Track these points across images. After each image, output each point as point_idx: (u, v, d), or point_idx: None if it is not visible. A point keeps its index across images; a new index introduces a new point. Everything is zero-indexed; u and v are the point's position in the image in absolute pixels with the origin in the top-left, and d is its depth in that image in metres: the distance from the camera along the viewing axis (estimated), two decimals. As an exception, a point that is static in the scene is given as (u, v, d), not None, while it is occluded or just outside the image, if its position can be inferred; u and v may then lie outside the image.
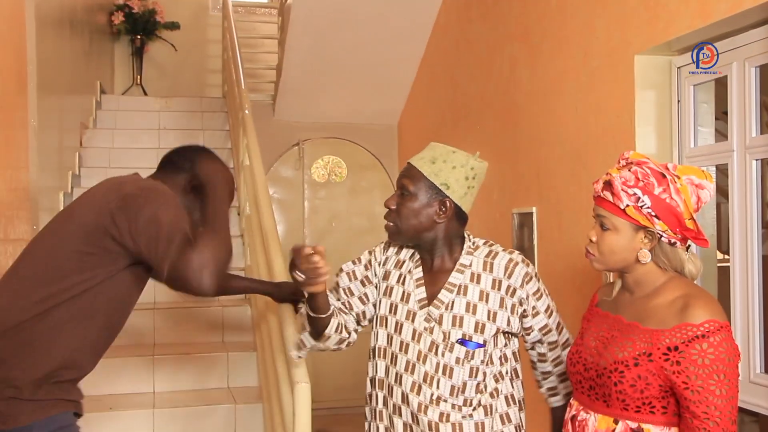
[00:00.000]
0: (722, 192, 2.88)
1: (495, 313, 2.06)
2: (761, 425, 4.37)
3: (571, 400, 2.02)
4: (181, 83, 7.79)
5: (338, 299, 2.29)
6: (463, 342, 2.03)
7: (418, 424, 2.06)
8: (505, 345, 2.12)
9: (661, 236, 1.79)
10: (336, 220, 6.69)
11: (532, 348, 2.25)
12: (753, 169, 2.55)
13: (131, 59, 7.68)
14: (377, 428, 2.20)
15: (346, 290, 2.28)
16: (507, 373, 2.13)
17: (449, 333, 2.05)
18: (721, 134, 2.83)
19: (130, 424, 3.32)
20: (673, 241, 1.79)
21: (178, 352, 3.77)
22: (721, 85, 2.75)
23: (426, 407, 2.04)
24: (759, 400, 2.48)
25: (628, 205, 1.80)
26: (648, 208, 1.78)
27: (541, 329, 2.16)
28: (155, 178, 2.25)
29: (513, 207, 4.07)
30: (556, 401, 2.31)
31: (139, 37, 7.55)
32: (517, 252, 2.14)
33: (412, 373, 2.08)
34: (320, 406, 5.81)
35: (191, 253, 1.90)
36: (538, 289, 2.12)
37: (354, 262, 2.31)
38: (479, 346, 2.04)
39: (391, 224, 2.12)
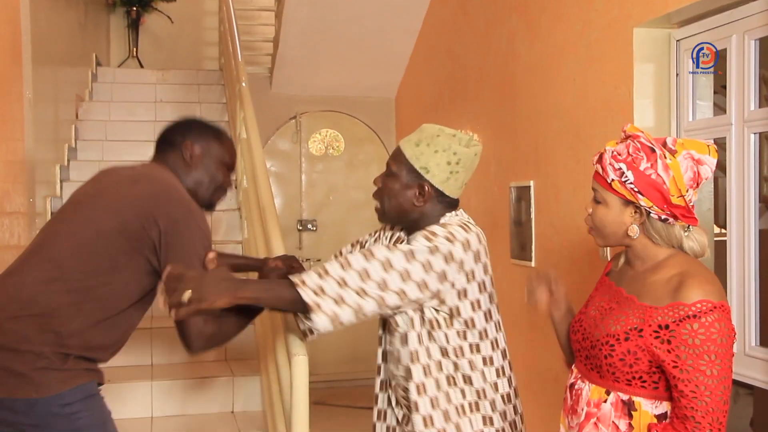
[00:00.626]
0: (720, 166, 2.87)
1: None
2: (756, 397, 4.41)
3: (573, 367, 2.03)
4: (177, 55, 7.73)
5: None
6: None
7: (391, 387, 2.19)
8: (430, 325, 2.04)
9: (650, 212, 1.78)
10: (333, 193, 6.69)
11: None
12: (751, 142, 2.55)
13: (127, 31, 7.62)
14: (385, 398, 2.25)
15: (363, 243, 2.38)
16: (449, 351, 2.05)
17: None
18: (720, 108, 2.82)
19: (129, 396, 3.34)
20: (663, 217, 1.77)
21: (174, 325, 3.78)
22: (720, 59, 2.74)
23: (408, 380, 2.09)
24: (754, 373, 2.50)
25: (613, 180, 1.79)
26: (631, 183, 1.76)
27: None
28: (157, 162, 2.30)
29: (510, 181, 4.07)
30: None
31: (135, 8, 7.48)
32: (457, 222, 2.02)
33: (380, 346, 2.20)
34: (318, 378, 5.86)
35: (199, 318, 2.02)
36: (430, 232, 1.96)
37: (370, 234, 2.39)
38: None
39: (377, 203, 2.15)
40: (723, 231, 2.81)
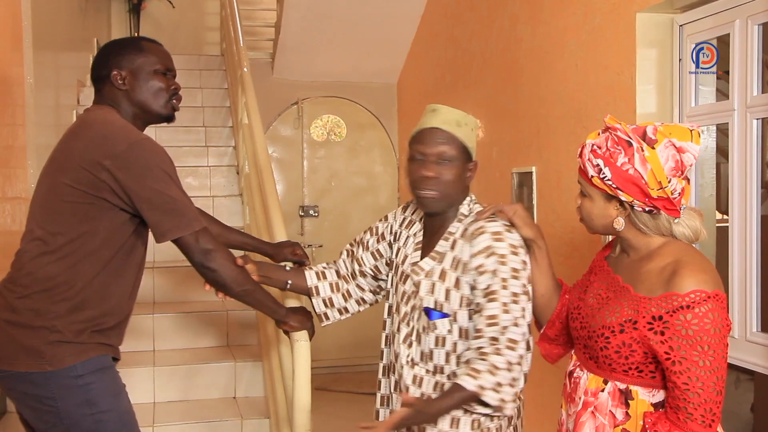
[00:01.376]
0: (722, 152, 2.87)
1: (459, 280, 2.05)
2: (756, 383, 4.42)
3: (572, 352, 2.03)
4: (178, 41, 7.70)
5: (354, 251, 2.39)
6: (427, 311, 2.06)
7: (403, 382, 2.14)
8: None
9: (633, 205, 1.76)
10: (335, 179, 6.68)
11: (470, 318, 2.04)
12: (753, 128, 2.54)
13: (128, 16, 7.59)
14: (389, 383, 2.24)
15: (362, 242, 2.37)
16: None
17: (423, 300, 2.08)
18: (722, 93, 2.81)
19: (131, 382, 3.35)
20: (648, 209, 1.75)
21: (177, 310, 3.79)
22: (723, 44, 2.73)
23: (402, 367, 2.11)
24: (755, 359, 2.50)
25: (593, 176, 1.78)
26: (609, 180, 1.74)
27: (484, 290, 1.97)
28: (96, 103, 2.30)
29: (512, 166, 4.06)
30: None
31: (135, -7, 7.46)
32: (503, 227, 2.03)
33: (399, 332, 2.15)
34: (319, 364, 5.86)
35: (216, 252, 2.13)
36: (497, 255, 1.99)
37: (380, 220, 2.38)
38: (443, 316, 2.04)
39: (435, 192, 2.05)
40: (725, 217, 2.81)
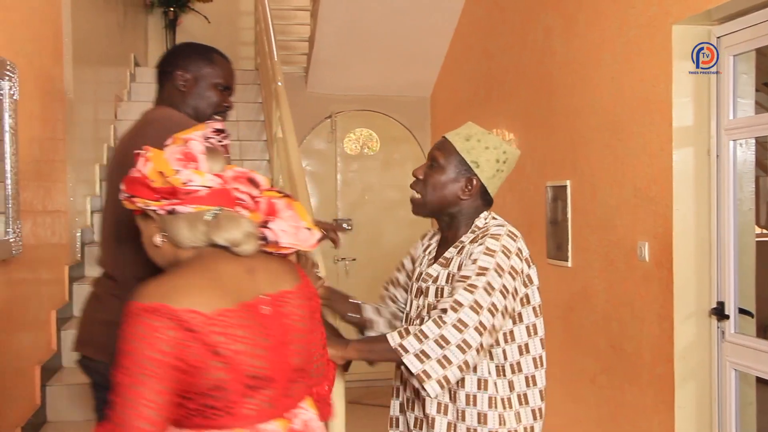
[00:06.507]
0: (761, 165, 2.83)
1: None
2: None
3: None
4: (214, 55, 7.80)
5: (389, 288, 2.37)
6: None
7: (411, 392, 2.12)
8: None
9: (156, 210, 1.53)
10: (368, 192, 6.69)
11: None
12: (794, 141, 2.50)
13: (165, 31, 7.71)
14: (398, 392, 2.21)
15: (393, 280, 2.37)
16: (496, 358, 1.99)
17: (430, 304, 2.06)
18: (762, 106, 2.78)
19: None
20: (169, 209, 1.51)
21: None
22: (762, 56, 2.70)
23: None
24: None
25: (124, 199, 1.56)
26: (123, 193, 1.55)
27: (460, 276, 1.94)
28: (156, 102, 2.34)
29: (547, 180, 4.04)
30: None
31: (172, 9, 7.57)
32: (506, 231, 1.99)
33: None
34: (353, 378, 5.85)
35: None
36: (489, 250, 1.94)
37: (405, 257, 2.37)
38: None
39: (417, 195, 2.12)
40: (765, 231, 2.76)
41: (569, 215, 3.78)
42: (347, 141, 6.66)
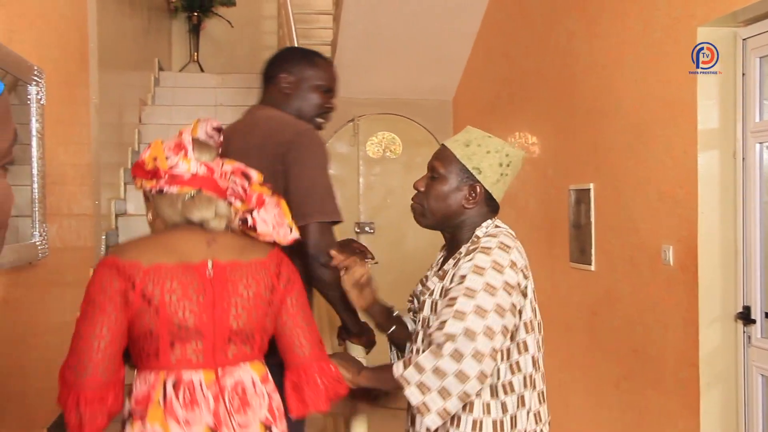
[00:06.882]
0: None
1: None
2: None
3: None
4: (237, 59, 7.85)
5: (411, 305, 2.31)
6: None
7: None
8: None
9: (149, 190, 1.78)
10: (391, 196, 6.69)
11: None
12: (821, 144, 2.47)
13: (188, 36, 7.77)
14: None
15: (414, 294, 2.30)
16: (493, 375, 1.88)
17: (425, 318, 2.01)
18: (788, 108, 2.75)
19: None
20: (159, 189, 1.76)
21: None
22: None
23: None
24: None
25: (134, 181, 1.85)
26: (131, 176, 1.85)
27: (448, 297, 1.86)
28: (261, 102, 2.42)
29: (570, 183, 4.02)
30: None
31: (196, 14, 7.63)
32: (497, 243, 1.88)
33: None
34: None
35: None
36: (478, 267, 1.85)
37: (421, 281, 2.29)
38: None
39: (418, 206, 2.04)
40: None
41: (592, 218, 3.76)
42: (369, 144, 6.67)
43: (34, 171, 2.95)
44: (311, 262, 2.15)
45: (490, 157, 1.98)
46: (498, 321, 1.78)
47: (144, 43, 6.21)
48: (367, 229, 6.55)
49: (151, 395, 1.67)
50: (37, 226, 2.99)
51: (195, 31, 7.72)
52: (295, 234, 1.87)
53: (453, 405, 1.78)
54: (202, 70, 7.57)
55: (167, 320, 1.65)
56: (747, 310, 2.87)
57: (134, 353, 1.70)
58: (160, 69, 6.72)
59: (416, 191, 2.07)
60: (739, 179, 2.89)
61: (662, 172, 3.15)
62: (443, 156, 2.03)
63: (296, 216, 2.10)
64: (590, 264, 3.77)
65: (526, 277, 1.89)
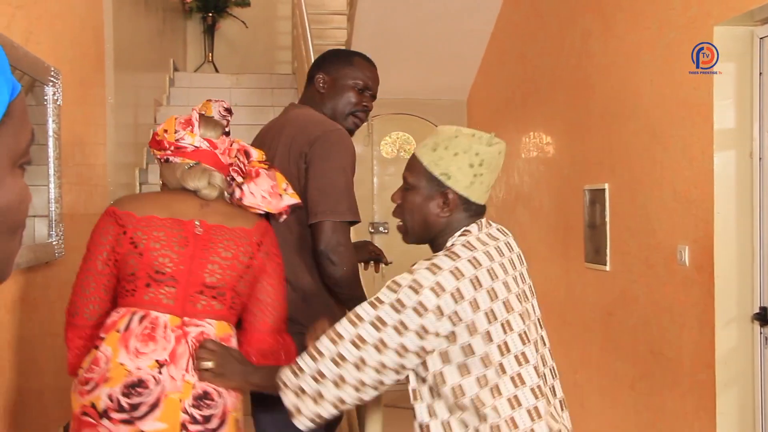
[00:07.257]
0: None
1: None
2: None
3: None
4: (251, 60, 7.87)
5: None
6: None
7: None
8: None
9: (159, 159, 2.05)
10: (404, 196, 6.69)
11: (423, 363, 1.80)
12: (839, 143, 2.45)
13: (203, 36, 7.80)
14: None
15: None
16: (427, 386, 1.81)
17: None
18: (806, 108, 2.73)
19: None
20: (165, 158, 2.02)
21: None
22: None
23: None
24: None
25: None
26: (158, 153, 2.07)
27: None
28: (300, 101, 2.54)
29: (584, 183, 4.00)
30: None
31: (210, 14, 7.65)
32: (425, 271, 1.71)
33: None
34: (388, 380, 5.83)
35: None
36: (394, 284, 1.74)
37: None
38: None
39: (399, 221, 1.94)
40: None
41: (607, 219, 3.74)
42: (384, 144, 6.68)
43: (51, 171, 2.97)
44: (322, 260, 2.17)
45: (458, 159, 1.82)
46: (395, 338, 1.68)
47: (159, 44, 6.23)
48: (381, 229, 6.56)
49: (116, 324, 1.87)
50: (53, 225, 3.00)
51: (210, 31, 7.75)
52: (288, 200, 2.05)
53: (326, 410, 1.73)
54: (216, 71, 7.59)
55: (148, 264, 1.87)
56: (763, 310, 2.86)
57: (116, 293, 1.95)
58: (175, 69, 6.75)
59: (395, 206, 1.94)
60: (755, 179, 2.87)
61: (678, 172, 3.14)
62: (411, 164, 1.88)
63: (310, 214, 2.14)
64: (605, 264, 3.75)
65: (456, 302, 1.66)
